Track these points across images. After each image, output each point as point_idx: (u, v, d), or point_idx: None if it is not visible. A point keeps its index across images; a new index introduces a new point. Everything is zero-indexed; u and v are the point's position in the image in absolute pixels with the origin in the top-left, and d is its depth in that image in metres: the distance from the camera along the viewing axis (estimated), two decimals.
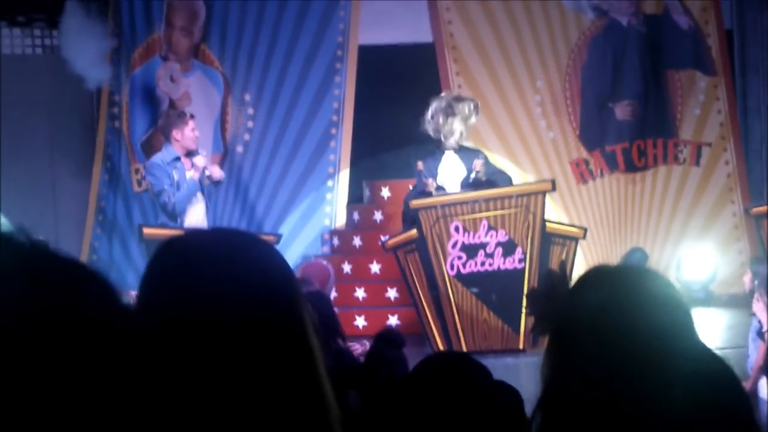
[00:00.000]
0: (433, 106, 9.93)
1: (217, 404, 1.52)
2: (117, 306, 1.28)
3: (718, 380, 1.79)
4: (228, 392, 1.53)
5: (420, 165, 9.95)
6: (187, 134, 9.97)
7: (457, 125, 9.85)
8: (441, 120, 9.86)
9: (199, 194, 10.07)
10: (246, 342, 1.55)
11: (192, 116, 10.18)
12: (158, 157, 10.17)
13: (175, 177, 9.91)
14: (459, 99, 10.10)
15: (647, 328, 1.82)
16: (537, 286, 2.04)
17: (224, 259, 1.62)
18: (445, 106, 9.91)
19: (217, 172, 10.24)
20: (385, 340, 5.69)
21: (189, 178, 9.88)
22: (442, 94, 10.22)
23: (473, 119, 10.03)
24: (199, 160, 9.91)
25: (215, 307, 1.56)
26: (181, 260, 1.64)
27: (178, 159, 9.97)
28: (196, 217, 10.04)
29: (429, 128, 9.93)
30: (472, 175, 9.75)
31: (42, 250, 1.25)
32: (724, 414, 1.75)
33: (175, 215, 9.96)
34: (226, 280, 1.59)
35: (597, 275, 1.96)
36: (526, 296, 2.03)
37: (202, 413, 1.52)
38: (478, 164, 9.73)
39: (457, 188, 9.73)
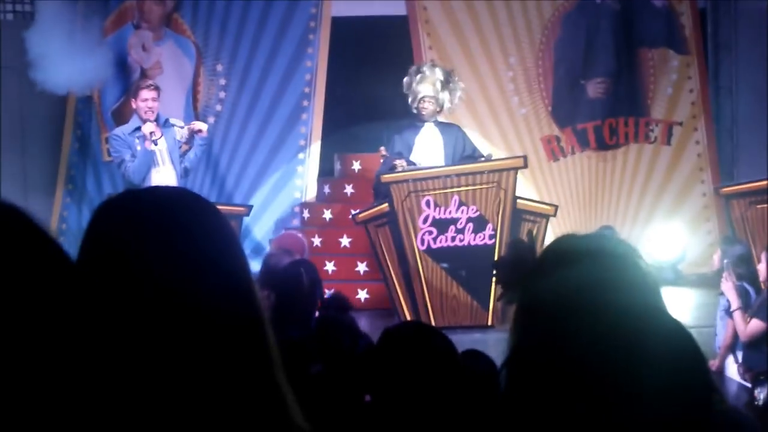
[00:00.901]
0: (407, 76, 9.94)
1: (155, 367, 1.51)
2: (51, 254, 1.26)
3: (683, 357, 1.79)
4: (168, 355, 1.51)
5: (382, 150, 9.91)
6: (139, 105, 9.88)
7: (424, 88, 9.82)
8: (413, 85, 9.85)
9: (166, 161, 9.99)
10: (187, 304, 1.53)
11: (150, 86, 10.07)
12: (119, 129, 10.11)
13: (138, 148, 9.84)
14: (432, 65, 10.09)
15: (614, 302, 1.82)
16: (505, 253, 2.04)
17: (161, 216, 1.60)
18: (415, 71, 9.91)
19: (198, 125, 10.15)
20: (335, 306, 5.67)
21: (141, 147, 9.80)
22: (413, 67, 10.18)
23: (451, 92, 9.97)
24: (146, 128, 9.80)
25: (151, 266, 1.54)
26: (119, 220, 1.61)
27: (139, 128, 9.90)
28: (162, 184, 9.98)
29: (408, 99, 9.94)
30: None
31: None
32: (683, 390, 1.75)
33: (134, 186, 9.91)
34: (163, 238, 1.57)
35: (564, 247, 1.96)
36: (494, 264, 2.03)
37: (137, 385, 1.49)
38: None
39: (436, 162, 9.72)
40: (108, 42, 12.14)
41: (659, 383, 1.71)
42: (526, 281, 1.93)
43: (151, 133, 9.75)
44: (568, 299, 1.83)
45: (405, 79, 9.94)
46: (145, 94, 9.89)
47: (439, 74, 9.94)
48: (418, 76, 9.90)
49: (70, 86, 11.31)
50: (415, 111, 9.94)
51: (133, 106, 9.97)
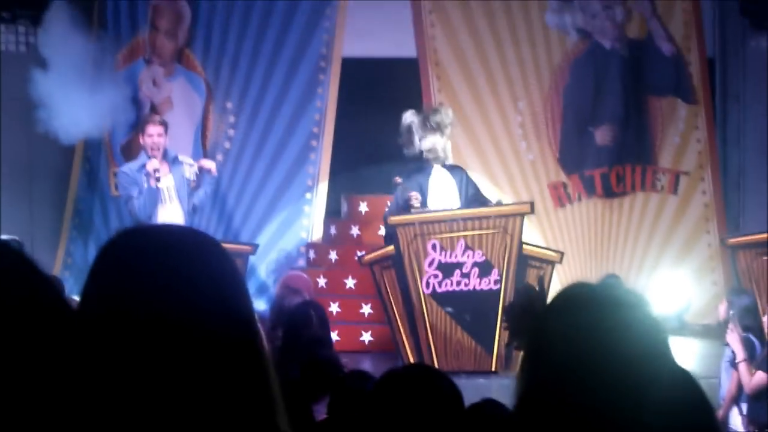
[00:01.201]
0: (408, 121, 9.86)
1: (154, 405, 1.51)
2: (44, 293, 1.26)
3: (690, 405, 1.79)
4: (167, 393, 1.51)
5: (398, 179, 9.92)
6: (145, 140, 9.91)
7: (437, 139, 9.81)
8: (419, 135, 9.80)
9: (173, 198, 10.01)
10: (188, 343, 1.54)
11: (156, 122, 10.10)
12: (127, 165, 10.15)
13: (145, 184, 9.86)
14: (435, 111, 10.02)
15: (623, 349, 1.82)
16: (514, 299, 2.04)
17: (166, 256, 1.60)
18: (422, 121, 9.83)
19: (207, 164, 10.17)
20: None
21: (146, 185, 9.82)
22: (410, 112, 10.04)
23: (448, 130, 9.94)
24: (150, 165, 9.82)
25: (153, 305, 1.54)
26: (123, 258, 1.61)
27: (145, 165, 9.92)
28: (169, 221, 9.99)
29: (407, 144, 9.87)
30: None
31: None
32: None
33: (140, 223, 9.93)
34: (166, 277, 1.57)
35: (573, 293, 1.96)
36: (503, 310, 2.04)
37: (137, 413, 1.50)
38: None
39: (449, 204, 9.70)
40: (119, 77, 12.20)
41: (667, 430, 1.72)
42: (534, 328, 1.93)
43: (155, 170, 9.76)
44: (577, 347, 1.84)
45: (407, 124, 9.85)
46: (151, 129, 9.92)
47: (441, 119, 9.87)
48: (427, 124, 9.83)
49: (79, 137, 11.34)
50: (413, 155, 9.88)
51: (141, 141, 10.00)
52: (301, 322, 6.15)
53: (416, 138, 9.79)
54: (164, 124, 10.08)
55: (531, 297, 1.96)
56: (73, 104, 10.82)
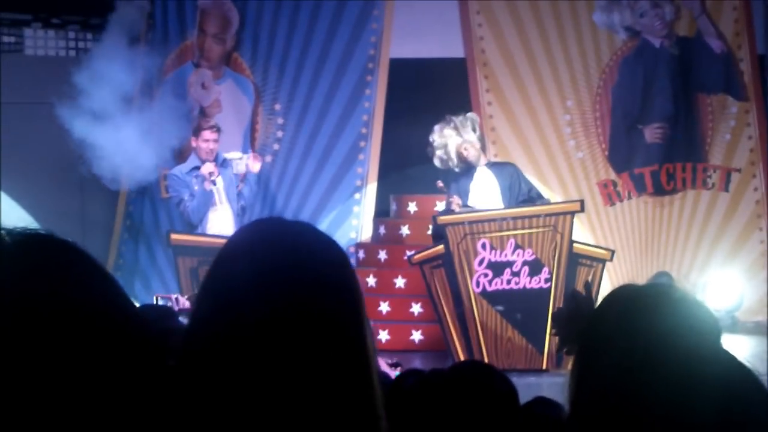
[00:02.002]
0: (437, 131, 9.90)
1: (265, 393, 1.54)
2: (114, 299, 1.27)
3: (748, 398, 1.78)
4: (278, 381, 1.54)
5: (440, 183, 9.93)
6: (200, 144, 10.00)
7: (454, 140, 9.83)
8: (446, 141, 9.83)
9: (223, 200, 10.09)
10: (299, 330, 1.57)
11: (212, 127, 10.19)
12: (178, 168, 10.24)
13: (196, 187, 9.94)
14: (453, 117, 10.05)
15: (674, 348, 1.81)
16: (562, 306, 2.03)
17: (280, 247, 1.64)
18: (439, 129, 9.89)
19: (253, 165, 10.23)
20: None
21: (200, 187, 9.90)
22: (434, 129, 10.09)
23: (468, 131, 9.94)
24: (206, 168, 9.91)
25: (268, 296, 1.58)
26: (240, 249, 1.66)
27: (197, 168, 10.00)
28: (220, 223, 10.06)
29: (445, 156, 9.90)
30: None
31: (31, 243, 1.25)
32: (751, 427, 1.74)
33: (192, 225, 10.02)
34: (282, 268, 1.61)
35: (623, 296, 1.95)
36: (551, 317, 2.03)
37: (249, 403, 1.53)
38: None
39: (492, 204, 9.71)
40: (168, 81, 12.29)
41: (729, 426, 1.71)
42: (585, 332, 1.92)
43: (210, 173, 9.86)
44: (631, 347, 1.83)
45: (435, 142, 9.91)
46: (208, 135, 10.03)
47: (461, 122, 9.91)
48: (446, 131, 9.87)
49: (125, 183, 11.37)
50: (458, 169, 9.90)
51: (193, 144, 10.08)
52: None
53: (441, 151, 9.85)
54: (219, 131, 10.19)
55: (578, 301, 1.94)
56: (121, 160, 10.83)
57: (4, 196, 11.61)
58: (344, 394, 1.57)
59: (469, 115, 10.15)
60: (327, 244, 1.68)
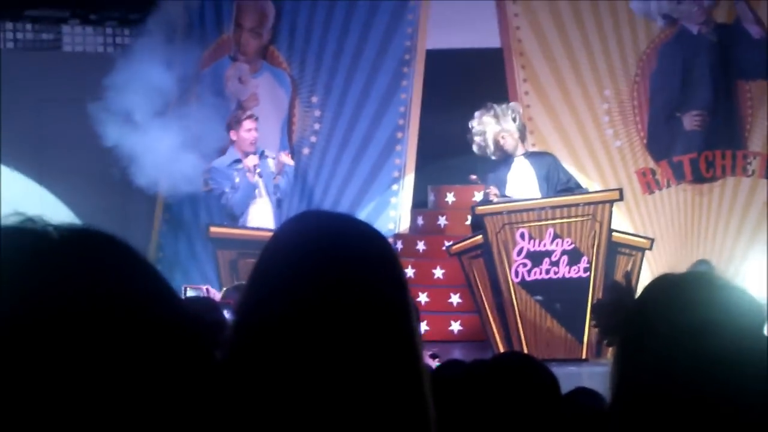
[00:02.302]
0: (477, 118, 9.89)
1: (317, 382, 1.56)
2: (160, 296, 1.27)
3: None
4: (330, 371, 1.56)
5: (473, 177, 9.92)
6: (241, 135, 10.03)
7: (493, 127, 9.81)
8: (485, 129, 9.82)
9: (263, 193, 10.12)
10: (349, 320, 1.59)
11: (251, 117, 10.21)
12: (218, 161, 10.27)
13: (236, 179, 9.98)
14: (491, 107, 10.03)
15: (718, 336, 1.80)
16: (602, 297, 2.02)
17: (328, 239, 1.66)
18: (478, 117, 9.88)
19: (285, 159, 10.26)
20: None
21: (244, 180, 9.93)
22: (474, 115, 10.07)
23: (508, 120, 9.92)
24: (250, 160, 9.95)
25: (319, 288, 1.60)
26: (289, 242, 1.69)
27: (238, 161, 10.04)
28: (259, 215, 10.10)
29: (483, 143, 9.90)
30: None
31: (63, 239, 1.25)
32: None
33: (234, 217, 10.06)
34: (331, 260, 1.63)
35: (664, 285, 1.95)
36: (591, 309, 2.03)
37: (297, 391, 1.55)
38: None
39: (530, 195, 9.69)
40: (205, 75, 12.34)
41: (763, 403, 1.70)
42: (626, 323, 1.92)
43: (255, 165, 9.91)
44: (676, 336, 1.83)
45: (474, 128, 9.90)
46: (248, 124, 10.08)
47: (502, 110, 9.90)
48: (485, 119, 9.86)
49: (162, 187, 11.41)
50: (495, 157, 9.89)
51: (233, 137, 10.10)
52: None
53: (479, 137, 9.84)
54: (257, 119, 10.22)
55: (619, 292, 1.93)
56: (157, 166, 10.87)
57: (45, 192, 11.71)
58: (394, 382, 1.59)
59: (511, 104, 10.15)
60: (372, 234, 1.70)
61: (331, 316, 1.58)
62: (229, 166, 10.07)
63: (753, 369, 1.75)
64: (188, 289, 7.94)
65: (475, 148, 9.96)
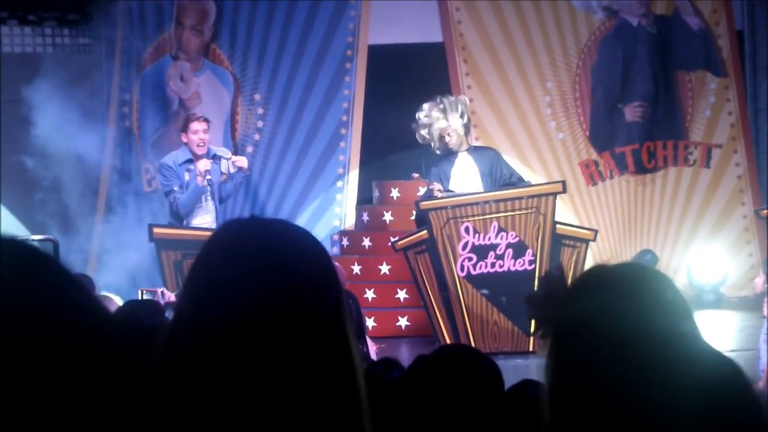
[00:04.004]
0: (426, 111, 9.85)
1: (250, 394, 1.54)
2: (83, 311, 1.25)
3: (725, 382, 1.77)
4: (262, 382, 1.55)
5: (415, 175, 9.89)
6: (190, 137, 9.95)
7: (439, 123, 9.78)
8: (430, 125, 9.79)
9: (208, 198, 10.05)
10: (280, 330, 1.57)
11: (199, 118, 10.13)
12: (170, 158, 10.16)
13: (186, 179, 9.90)
14: (444, 97, 10.01)
15: (647, 330, 1.80)
16: (536, 289, 2.02)
17: (259, 247, 1.64)
18: (439, 105, 9.83)
19: (240, 162, 10.20)
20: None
21: (193, 182, 9.86)
22: (423, 106, 10.04)
23: (456, 116, 9.88)
24: (202, 165, 9.86)
25: (250, 296, 1.58)
26: (219, 251, 1.66)
27: (190, 161, 9.96)
28: (202, 216, 10.03)
29: (427, 136, 9.87)
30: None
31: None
32: (733, 415, 1.74)
33: (180, 217, 9.98)
34: (261, 269, 1.61)
35: (595, 276, 1.95)
36: (525, 300, 2.02)
37: (235, 402, 1.54)
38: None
39: (474, 189, 9.69)
40: (146, 74, 12.26)
41: (706, 406, 1.70)
42: (557, 314, 1.92)
43: (206, 171, 9.82)
44: (598, 329, 1.83)
45: (421, 120, 9.88)
46: (196, 125, 9.96)
47: (450, 104, 9.86)
48: (433, 113, 9.83)
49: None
50: (439, 151, 9.90)
51: (184, 140, 10.00)
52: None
53: (424, 130, 9.82)
54: (207, 121, 10.13)
55: (552, 284, 1.93)
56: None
57: None
58: (328, 391, 1.57)
59: (461, 98, 10.10)
60: (306, 241, 1.68)
61: (262, 328, 1.56)
62: (181, 165, 9.97)
63: (682, 369, 1.75)
64: (144, 292, 7.87)
65: (419, 138, 9.94)
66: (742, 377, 1.81)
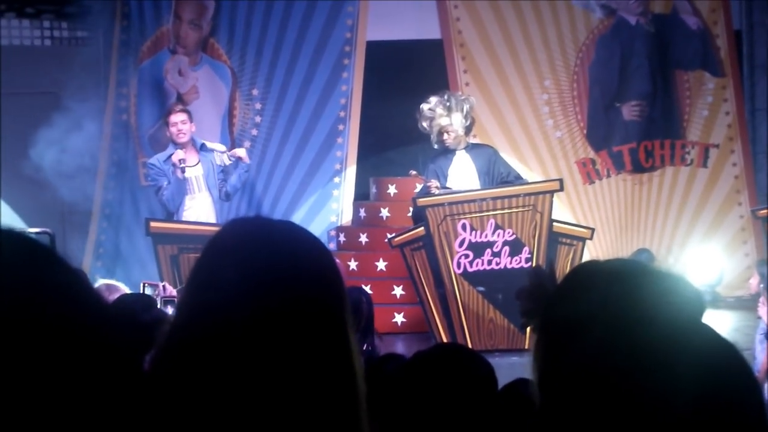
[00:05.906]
0: (431, 104, 9.84)
1: (250, 392, 1.55)
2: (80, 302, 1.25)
3: (727, 370, 1.77)
4: (264, 380, 1.55)
5: (412, 172, 9.89)
6: (170, 129, 9.95)
7: (441, 121, 9.78)
8: (431, 121, 9.79)
9: (202, 187, 10.04)
10: (283, 329, 1.58)
11: (180, 110, 10.12)
12: (155, 157, 10.19)
13: (172, 173, 9.90)
14: (449, 95, 10.01)
15: (655, 327, 1.80)
16: (526, 284, 2.01)
17: (258, 247, 1.65)
18: (426, 108, 9.83)
19: (238, 152, 10.20)
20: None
21: (174, 175, 9.85)
22: (430, 99, 10.03)
23: (459, 115, 9.88)
24: (175, 156, 9.85)
25: (253, 296, 1.59)
26: (223, 250, 1.67)
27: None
28: (198, 210, 10.03)
29: (428, 128, 9.87)
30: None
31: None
32: (734, 402, 1.73)
33: (169, 213, 10.00)
34: (265, 268, 1.62)
35: (586, 272, 1.95)
36: (515, 294, 2.01)
37: (235, 398, 1.54)
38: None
39: (471, 187, 9.69)
40: (144, 67, 12.25)
41: (708, 397, 1.70)
42: (546, 308, 1.92)
43: (180, 160, 9.81)
44: (587, 322, 1.82)
45: (424, 112, 9.86)
46: (174, 118, 9.97)
47: (456, 103, 9.86)
48: (438, 110, 9.82)
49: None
50: (436, 146, 9.91)
51: (166, 133, 10.04)
52: (353, 307, 6.14)
53: (426, 122, 9.81)
54: (187, 112, 10.11)
55: (540, 277, 1.92)
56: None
57: None
58: (328, 391, 1.58)
59: (469, 98, 10.07)
60: (310, 242, 1.68)
61: (265, 327, 1.57)
62: (165, 162, 9.98)
63: (689, 360, 1.75)
64: (146, 285, 7.86)
65: (420, 127, 9.92)
66: (745, 367, 1.81)
